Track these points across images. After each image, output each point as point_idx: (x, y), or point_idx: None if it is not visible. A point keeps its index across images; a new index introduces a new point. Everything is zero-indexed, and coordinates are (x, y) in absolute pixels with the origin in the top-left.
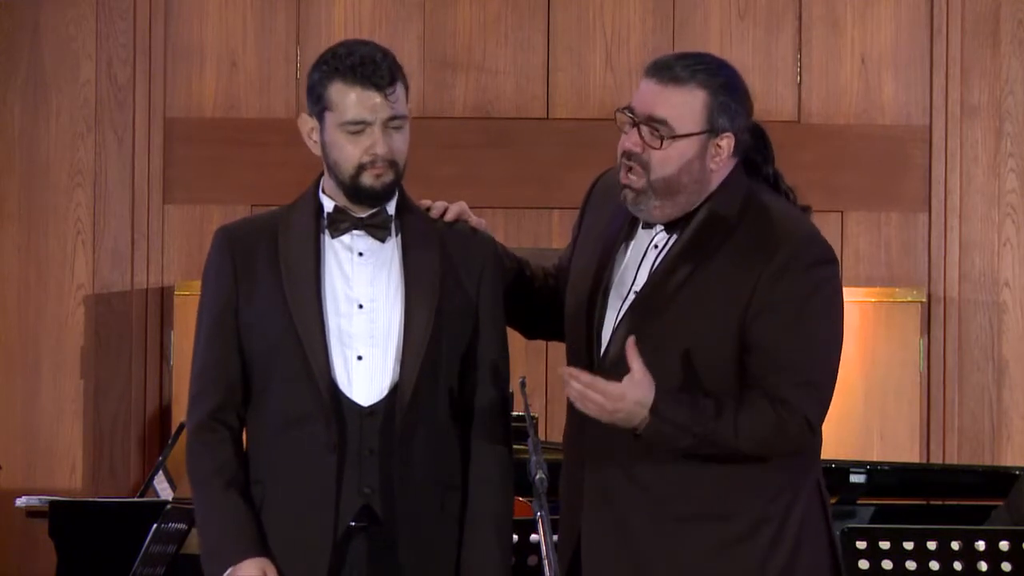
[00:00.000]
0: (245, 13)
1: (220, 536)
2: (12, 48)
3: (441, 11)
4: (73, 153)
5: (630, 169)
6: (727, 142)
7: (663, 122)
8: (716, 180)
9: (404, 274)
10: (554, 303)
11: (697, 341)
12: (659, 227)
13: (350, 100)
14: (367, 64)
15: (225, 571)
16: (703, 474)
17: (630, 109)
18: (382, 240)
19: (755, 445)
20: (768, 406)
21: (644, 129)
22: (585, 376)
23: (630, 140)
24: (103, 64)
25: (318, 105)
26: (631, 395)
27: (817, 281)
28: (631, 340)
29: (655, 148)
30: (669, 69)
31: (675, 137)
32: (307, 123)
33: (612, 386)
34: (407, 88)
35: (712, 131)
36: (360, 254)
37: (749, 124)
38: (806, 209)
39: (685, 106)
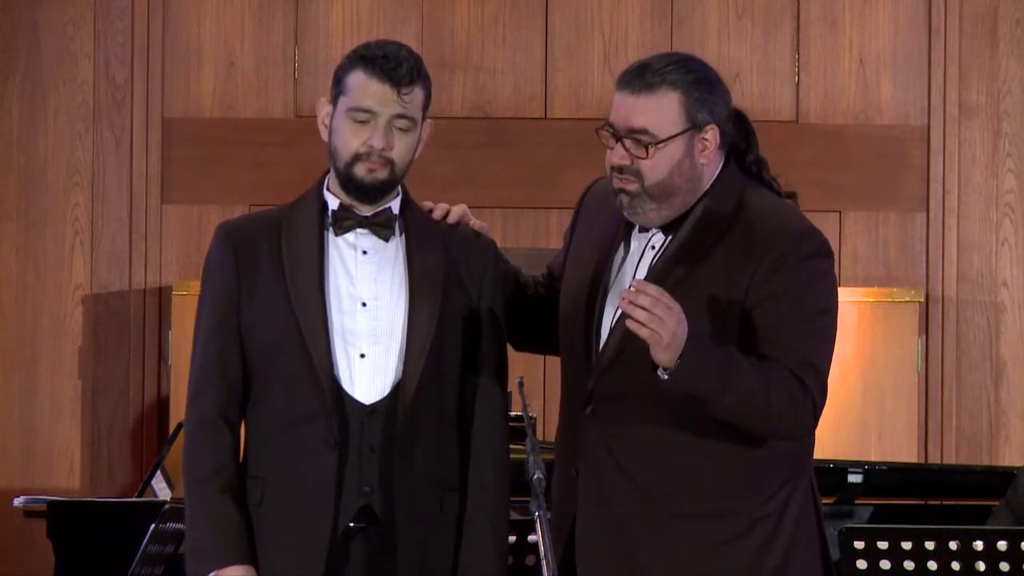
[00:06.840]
0: (243, 13)
1: (210, 538)
2: (10, 48)
3: (439, 11)
4: (71, 153)
5: (622, 179)
6: (712, 134)
7: (643, 131)
8: (709, 174)
9: (408, 273)
10: (544, 313)
11: None
12: (655, 228)
13: (364, 89)
14: (391, 59)
15: (209, 573)
16: (699, 473)
17: (610, 125)
18: (386, 239)
19: (775, 408)
20: (790, 373)
21: (627, 142)
22: (652, 287)
23: (616, 155)
24: (101, 64)
25: (336, 89)
26: (680, 313)
27: (813, 273)
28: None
29: (642, 158)
30: (639, 77)
31: (659, 143)
32: (324, 107)
33: (673, 301)
34: (428, 96)
35: (694, 127)
36: (364, 252)
37: (730, 113)
38: (791, 196)
39: (662, 111)
